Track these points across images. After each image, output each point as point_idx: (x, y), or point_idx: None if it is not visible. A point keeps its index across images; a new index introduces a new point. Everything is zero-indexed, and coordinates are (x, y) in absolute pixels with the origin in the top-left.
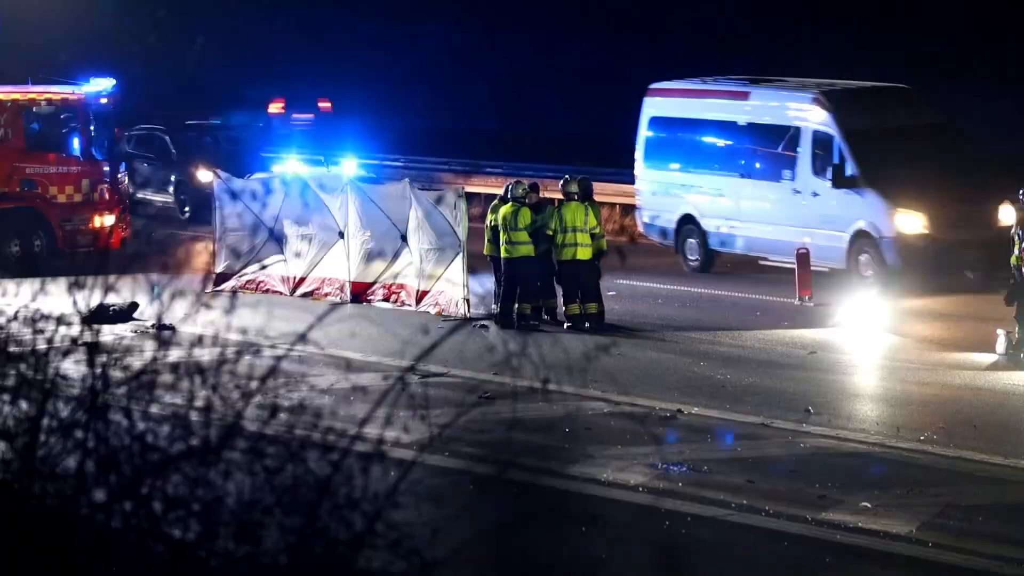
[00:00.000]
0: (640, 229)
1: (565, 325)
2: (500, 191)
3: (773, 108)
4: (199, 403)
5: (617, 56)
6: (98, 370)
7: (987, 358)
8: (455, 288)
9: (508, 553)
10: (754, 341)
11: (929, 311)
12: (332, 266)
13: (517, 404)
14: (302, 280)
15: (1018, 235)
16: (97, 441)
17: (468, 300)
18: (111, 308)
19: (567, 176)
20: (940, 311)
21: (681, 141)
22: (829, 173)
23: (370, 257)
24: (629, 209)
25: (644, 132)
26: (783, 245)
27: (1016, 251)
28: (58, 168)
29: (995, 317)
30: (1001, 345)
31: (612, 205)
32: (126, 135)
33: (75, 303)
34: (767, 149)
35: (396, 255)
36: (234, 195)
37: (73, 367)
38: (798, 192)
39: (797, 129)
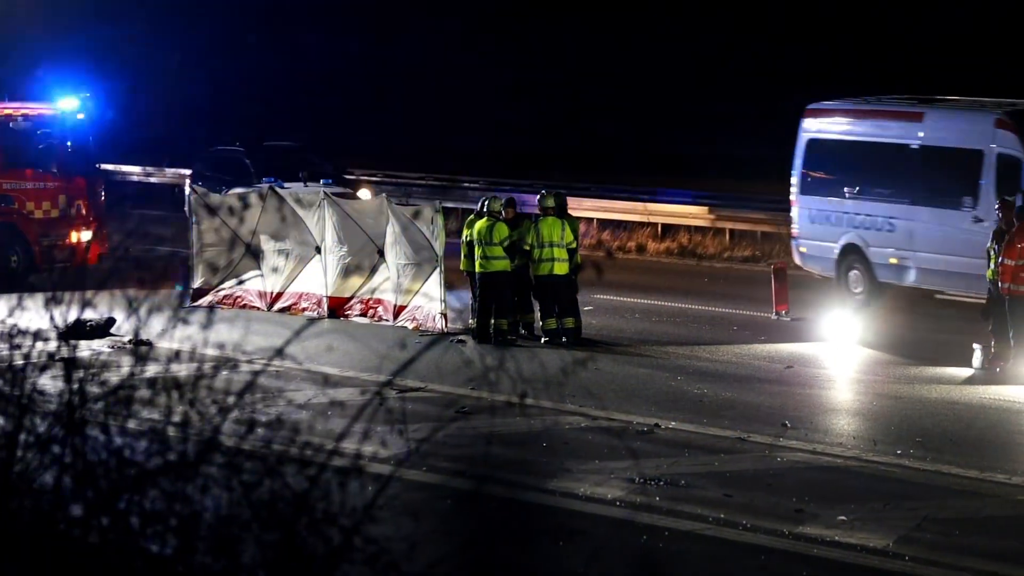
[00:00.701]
0: (796, 259)
1: (542, 340)
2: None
3: (951, 130)
4: (176, 418)
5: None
6: (75, 385)
7: (963, 372)
8: (432, 303)
9: (486, 568)
10: (731, 356)
11: (905, 325)
12: (309, 281)
13: (495, 419)
14: (279, 295)
15: (994, 250)
16: (74, 456)
17: (445, 315)
18: (88, 323)
19: (543, 191)
20: (916, 326)
21: (844, 165)
22: (1019, 199)
23: (347, 272)
24: (607, 224)
25: (801, 155)
26: (963, 278)
27: (992, 266)
28: (35, 184)
29: (971, 331)
30: (977, 359)
31: (590, 220)
32: (201, 157)
33: (52, 318)
34: (944, 174)
35: (373, 270)
36: (211, 210)
37: (50, 382)
38: (980, 220)
39: (979, 152)
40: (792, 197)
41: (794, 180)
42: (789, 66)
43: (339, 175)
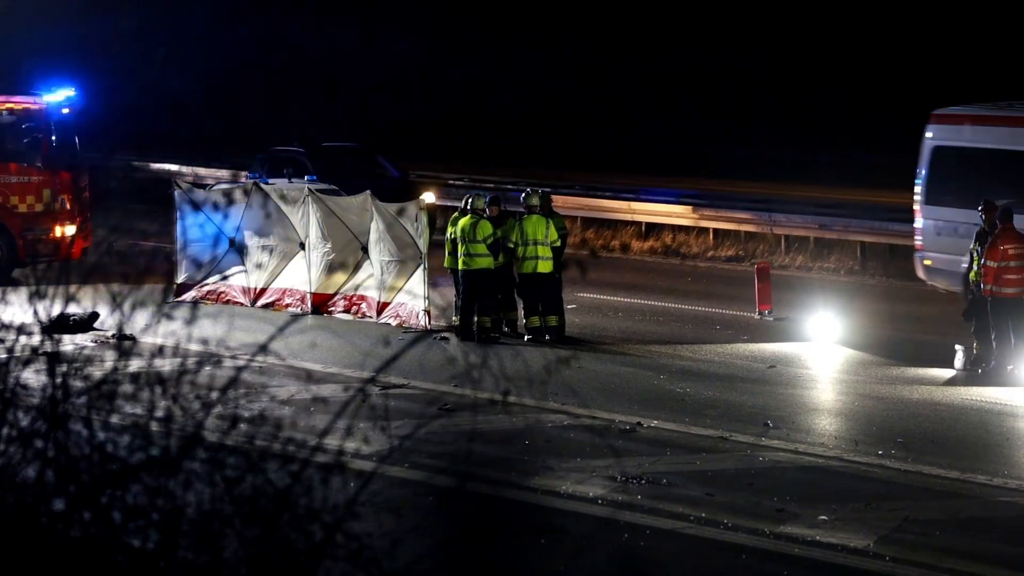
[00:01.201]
0: (919, 273)
1: (526, 337)
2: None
3: None
4: (159, 413)
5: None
6: (58, 380)
7: (945, 373)
8: (416, 300)
9: (467, 565)
10: (714, 355)
11: (888, 326)
12: (293, 277)
13: (477, 416)
14: (263, 291)
15: (976, 251)
16: (57, 451)
17: (429, 312)
18: (71, 318)
19: (528, 189)
20: (899, 326)
21: (976, 174)
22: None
23: (331, 268)
24: (590, 222)
25: (926, 163)
26: None
27: (975, 267)
28: (19, 177)
29: (953, 333)
30: (959, 360)
31: (574, 218)
32: (260, 157)
33: (35, 313)
34: None
35: (357, 267)
36: (196, 206)
37: (33, 376)
38: None
39: None
40: (916, 207)
41: (918, 189)
42: (766, 66)
43: (404, 177)
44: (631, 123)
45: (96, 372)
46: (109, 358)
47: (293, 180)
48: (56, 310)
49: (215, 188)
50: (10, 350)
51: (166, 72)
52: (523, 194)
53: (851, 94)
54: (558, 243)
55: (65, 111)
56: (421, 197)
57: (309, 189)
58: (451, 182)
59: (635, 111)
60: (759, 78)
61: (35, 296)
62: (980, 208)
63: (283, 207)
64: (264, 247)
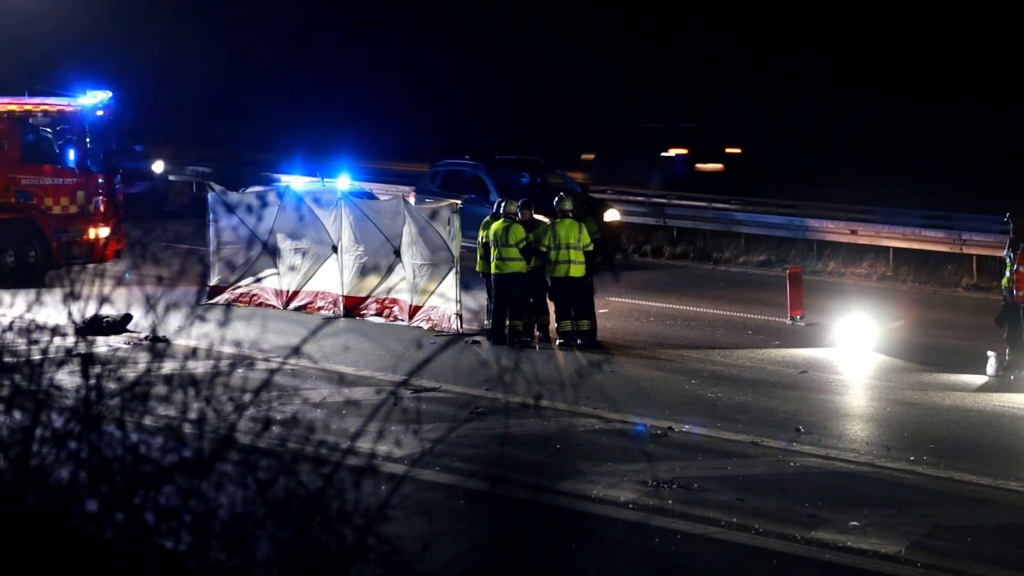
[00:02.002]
0: None
1: (557, 342)
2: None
3: None
4: (192, 415)
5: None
6: (92, 381)
7: (977, 379)
8: (448, 303)
9: (498, 568)
10: (745, 360)
11: (919, 332)
12: (326, 280)
13: (509, 420)
14: (296, 294)
15: (1009, 257)
16: (90, 452)
17: (461, 315)
18: (105, 319)
19: (561, 193)
20: (930, 332)
21: None
22: None
23: (364, 271)
24: (623, 227)
25: None
26: None
27: (1007, 273)
28: (53, 180)
29: (986, 339)
30: (991, 366)
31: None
32: (432, 171)
33: (70, 314)
34: None
35: (390, 270)
36: (229, 208)
37: (67, 378)
38: None
39: None
40: None
41: None
42: (794, 66)
43: (585, 192)
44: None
45: (129, 374)
46: (142, 360)
47: (469, 198)
48: (90, 311)
49: (248, 191)
50: (44, 351)
51: (204, 75)
52: (556, 198)
53: (887, 101)
54: (591, 247)
55: (100, 113)
56: (607, 212)
57: (342, 192)
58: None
59: (671, 112)
60: (794, 81)
61: (69, 297)
62: (1007, 217)
63: (316, 210)
64: (297, 250)
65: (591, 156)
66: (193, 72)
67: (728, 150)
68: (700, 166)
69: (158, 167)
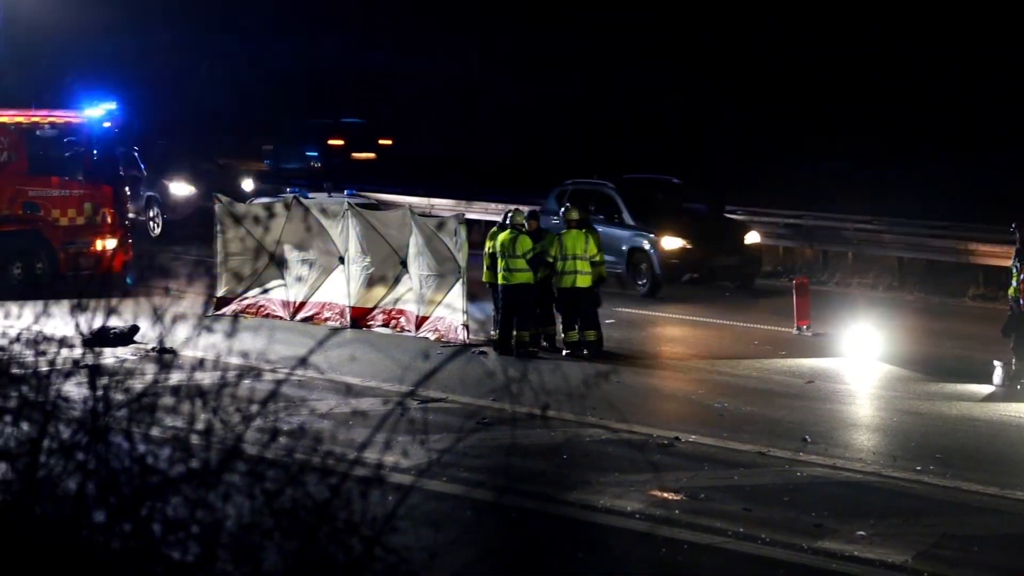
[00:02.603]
0: None
1: (564, 352)
2: (499, 218)
3: None
4: (200, 426)
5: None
6: (99, 392)
7: (984, 389)
8: (455, 314)
9: None
10: (752, 370)
11: (926, 342)
12: (332, 291)
13: (516, 430)
14: (302, 304)
15: (1015, 267)
16: (98, 463)
17: (468, 326)
18: (112, 331)
19: (568, 204)
20: (937, 342)
21: None
22: None
23: (370, 282)
24: None
25: None
26: None
27: (1014, 283)
28: (61, 191)
29: (992, 348)
30: (998, 376)
31: None
32: (558, 191)
33: (77, 325)
34: None
35: (396, 281)
36: (237, 219)
37: (74, 389)
38: None
39: None
40: None
41: None
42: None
43: (717, 212)
44: (667, 136)
45: (137, 385)
46: (150, 371)
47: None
48: (97, 323)
49: (255, 202)
50: (52, 363)
51: (208, 86)
52: (563, 209)
53: (890, 109)
54: (597, 258)
55: (106, 125)
56: (749, 233)
57: (349, 203)
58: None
59: (672, 124)
60: (800, 93)
61: (76, 309)
62: (1014, 226)
63: (323, 221)
64: (304, 261)
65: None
66: (197, 84)
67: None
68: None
69: (247, 185)
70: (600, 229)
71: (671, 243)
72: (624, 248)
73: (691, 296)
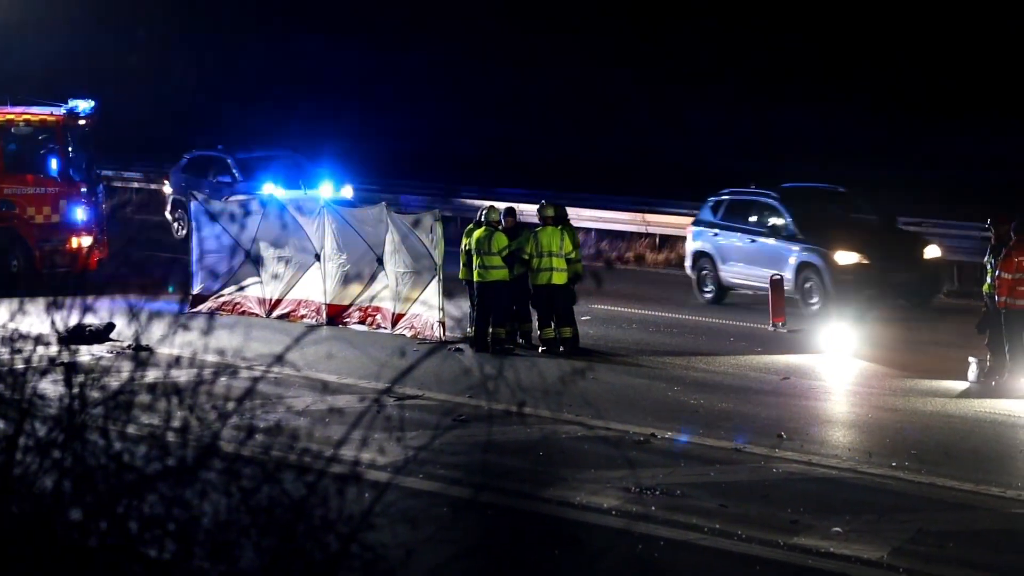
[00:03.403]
0: None
1: (540, 349)
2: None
3: None
4: (176, 423)
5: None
6: (75, 390)
7: (959, 385)
8: (431, 311)
9: (482, 575)
10: (727, 367)
11: (901, 338)
12: (308, 288)
13: (492, 427)
14: (279, 302)
15: (990, 263)
16: (74, 460)
17: (444, 323)
18: (88, 328)
19: (543, 201)
20: (912, 338)
21: None
22: None
23: (346, 280)
24: (604, 234)
25: None
26: None
27: (988, 279)
28: (36, 189)
29: (967, 345)
30: (973, 373)
31: (588, 230)
32: (713, 200)
33: (53, 323)
34: None
35: (372, 278)
36: (212, 217)
37: (51, 387)
38: None
39: None
40: None
41: None
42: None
43: (890, 223)
44: (645, 135)
45: (113, 382)
46: (126, 368)
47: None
48: (73, 320)
49: (231, 199)
50: (27, 360)
51: (183, 84)
52: (538, 205)
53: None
54: (573, 255)
55: (82, 123)
56: (928, 247)
57: (324, 200)
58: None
59: (649, 123)
60: (773, 89)
61: (52, 306)
62: (989, 221)
63: (298, 218)
64: (280, 258)
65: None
66: (173, 81)
67: None
68: None
69: (347, 192)
70: (764, 243)
71: (845, 258)
72: (792, 263)
73: (668, 293)
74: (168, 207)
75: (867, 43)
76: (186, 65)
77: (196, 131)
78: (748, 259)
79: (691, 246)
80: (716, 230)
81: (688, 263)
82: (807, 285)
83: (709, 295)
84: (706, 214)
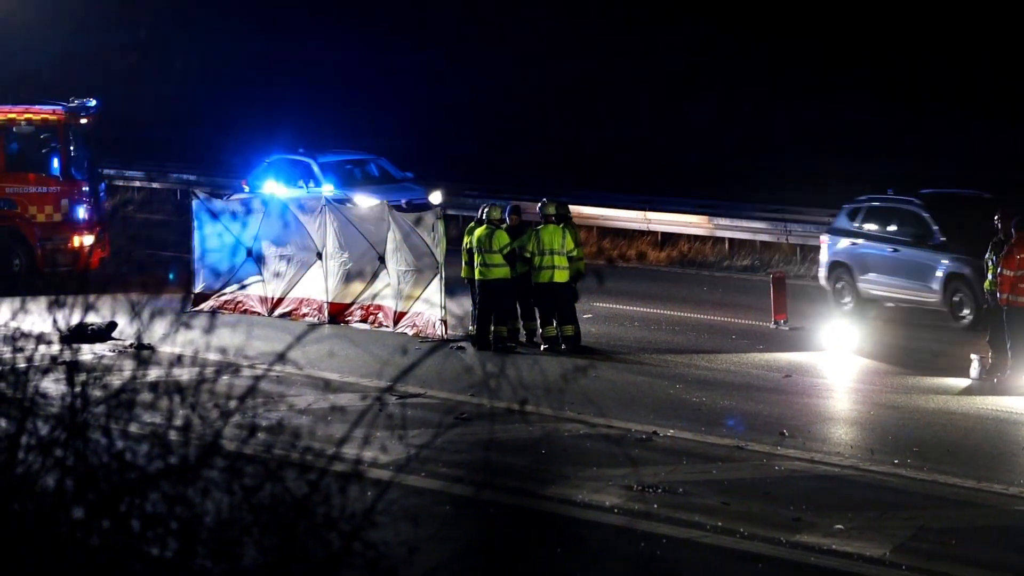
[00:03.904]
0: None
1: (542, 347)
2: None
3: None
4: (178, 422)
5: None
6: (77, 388)
7: (961, 383)
8: (433, 309)
9: (484, 573)
10: (729, 364)
11: (903, 336)
12: (310, 287)
13: (494, 425)
14: (280, 300)
15: (992, 260)
16: (76, 459)
17: (446, 321)
18: (90, 327)
19: (545, 199)
20: (913, 336)
21: None
22: None
23: (348, 278)
24: (607, 232)
25: None
26: None
27: (990, 275)
28: (37, 187)
29: (969, 342)
30: (975, 370)
31: (590, 228)
32: (849, 208)
33: (55, 322)
34: None
35: (374, 276)
36: (214, 215)
37: (52, 385)
38: None
39: None
40: None
41: None
42: (785, 72)
43: None
44: (643, 131)
45: (115, 381)
46: (128, 367)
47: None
48: (75, 319)
49: (233, 198)
50: (29, 359)
51: (185, 82)
52: (540, 203)
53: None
54: (575, 253)
55: (84, 121)
56: None
57: (326, 199)
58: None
59: (647, 120)
60: (777, 86)
61: (54, 305)
62: (996, 217)
63: (300, 216)
64: (282, 256)
65: None
66: (173, 79)
67: None
68: None
69: (435, 198)
70: (909, 252)
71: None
72: (939, 275)
73: (669, 291)
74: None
75: (869, 37)
76: (186, 63)
77: (198, 130)
78: (890, 270)
79: (826, 255)
80: (855, 238)
81: (823, 273)
82: (956, 298)
83: (847, 306)
84: (842, 221)
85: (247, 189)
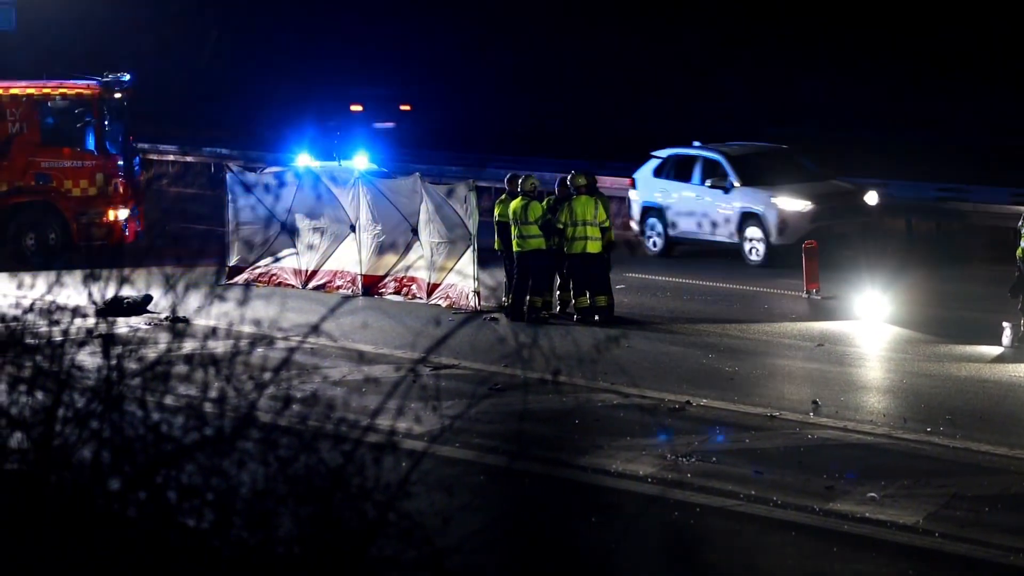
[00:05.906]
0: None
1: (575, 318)
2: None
3: None
4: (213, 394)
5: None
6: (113, 361)
7: (993, 350)
8: (466, 281)
9: (518, 542)
10: (762, 334)
11: (935, 304)
12: (344, 259)
13: (527, 396)
14: (314, 273)
15: (1022, 229)
16: (112, 431)
17: (479, 292)
18: (125, 300)
19: (574, 170)
20: (945, 304)
21: None
22: None
23: (382, 250)
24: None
25: None
26: None
27: (1021, 243)
28: (72, 162)
29: (1001, 310)
30: (1007, 337)
31: (621, 199)
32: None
33: (90, 295)
34: None
35: (407, 248)
36: (247, 188)
37: (88, 358)
38: None
39: None
40: None
41: None
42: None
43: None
44: (676, 104)
45: (150, 354)
46: (163, 340)
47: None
48: (110, 292)
49: (266, 171)
50: (65, 332)
51: (218, 57)
52: (570, 175)
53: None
54: (607, 223)
55: (118, 96)
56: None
57: (359, 171)
58: None
59: (677, 91)
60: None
61: (89, 279)
62: None
63: (333, 189)
64: (315, 229)
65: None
66: (202, 54)
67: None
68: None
69: (871, 198)
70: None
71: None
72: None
73: (700, 261)
74: (637, 218)
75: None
76: (220, 36)
77: (227, 105)
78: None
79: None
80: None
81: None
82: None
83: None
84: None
85: (634, 190)
